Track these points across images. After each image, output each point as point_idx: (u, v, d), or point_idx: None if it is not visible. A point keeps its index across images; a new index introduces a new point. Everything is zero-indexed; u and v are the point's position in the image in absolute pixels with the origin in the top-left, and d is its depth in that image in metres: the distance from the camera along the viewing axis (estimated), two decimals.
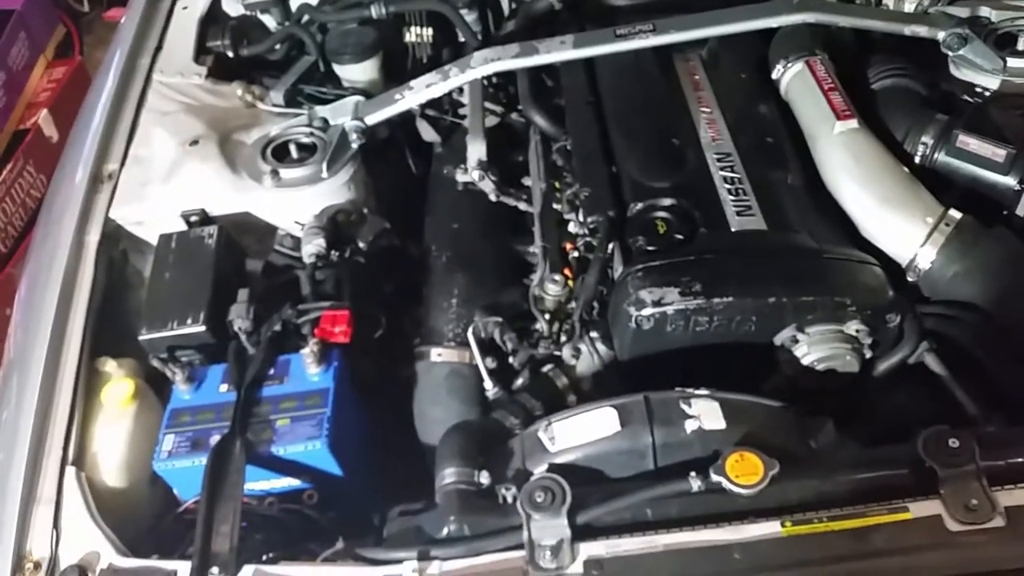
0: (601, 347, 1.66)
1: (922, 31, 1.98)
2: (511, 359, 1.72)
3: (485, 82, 2.15)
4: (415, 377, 1.74)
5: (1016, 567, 1.18)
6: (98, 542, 1.38)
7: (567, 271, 1.76)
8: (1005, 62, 1.91)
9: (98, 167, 1.99)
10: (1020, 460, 1.28)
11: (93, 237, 1.85)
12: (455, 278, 1.85)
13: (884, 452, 1.35)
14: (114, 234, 1.89)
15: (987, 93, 1.93)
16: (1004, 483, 1.24)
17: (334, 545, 1.37)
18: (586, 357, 1.67)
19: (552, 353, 1.71)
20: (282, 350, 1.61)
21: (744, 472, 1.25)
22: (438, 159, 2.15)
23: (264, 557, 1.38)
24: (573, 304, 1.71)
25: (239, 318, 1.62)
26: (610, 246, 1.68)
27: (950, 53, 1.96)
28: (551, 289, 1.72)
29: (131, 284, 1.89)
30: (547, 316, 1.73)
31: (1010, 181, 1.69)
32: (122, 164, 1.99)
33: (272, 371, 1.57)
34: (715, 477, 1.25)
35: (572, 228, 1.82)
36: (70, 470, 1.48)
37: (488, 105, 2.13)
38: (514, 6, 2.44)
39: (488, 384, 1.67)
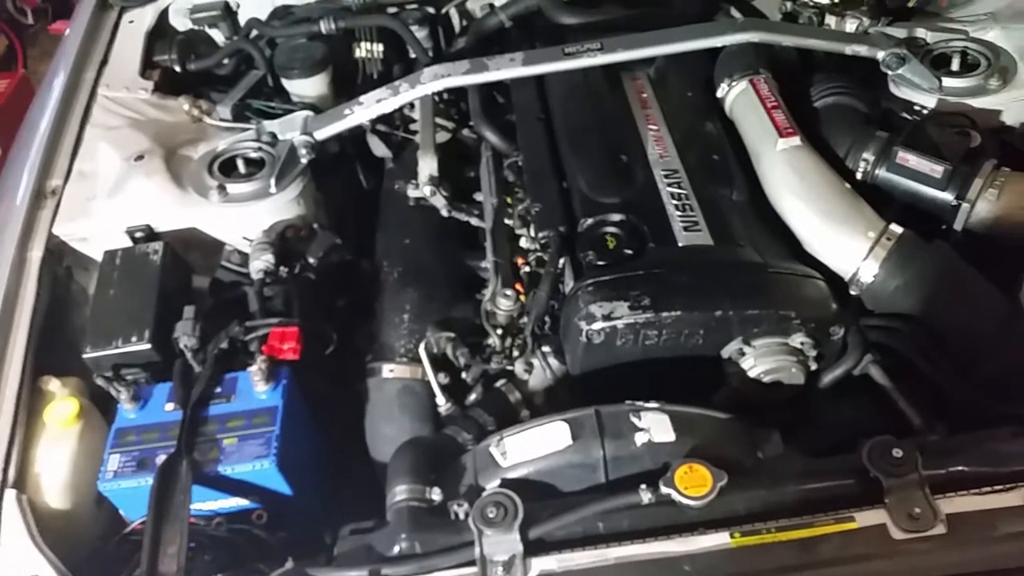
0: (553, 361, 1.67)
1: (862, 51, 2.03)
2: (464, 374, 1.72)
3: (436, 98, 2.16)
4: (367, 393, 1.73)
5: (958, 572, 1.21)
6: (39, 566, 1.35)
7: (519, 286, 1.77)
8: (940, 81, 1.98)
9: (41, 182, 1.95)
10: (960, 468, 1.31)
11: (36, 253, 1.81)
12: (407, 293, 1.84)
13: (830, 463, 1.37)
14: (58, 250, 1.85)
15: (925, 111, 1.99)
16: (946, 491, 1.27)
17: (283, 565, 1.35)
18: (538, 372, 1.68)
19: (505, 368, 1.71)
20: (230, 368, 1.59)
21: (693, 484, 1.26)
22: (389, 174, 2.15)
23: None
24: (525, 319, 1.71)
25: (185, 335, 1.60)
26: (561, 261, 1.69)
27: (889, 72, 2.02)
28: (503, 304, 1.73)
29: (76, 301, 1.85)
30: (499, 331, 1.73)
31: (947, 196, 1.74)
32: (66, 179, 1.96)
33: (219, 389, 1.55)
34: (665, 489, 1.26)
35: (523, 243, 1.83)
36: (10, 492, 1.44)
37: (439, 121, 2.14)
38: (465, 23, 2.46)
39: (440, 400, 1.67)
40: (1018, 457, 1.31)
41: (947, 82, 1.99)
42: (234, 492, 1.48)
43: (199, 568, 1.38)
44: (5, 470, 1.48)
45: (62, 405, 1.55)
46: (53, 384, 1.62)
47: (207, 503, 1.48)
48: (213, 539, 1.46)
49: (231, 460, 1.46)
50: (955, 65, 2.02)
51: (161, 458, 1.46)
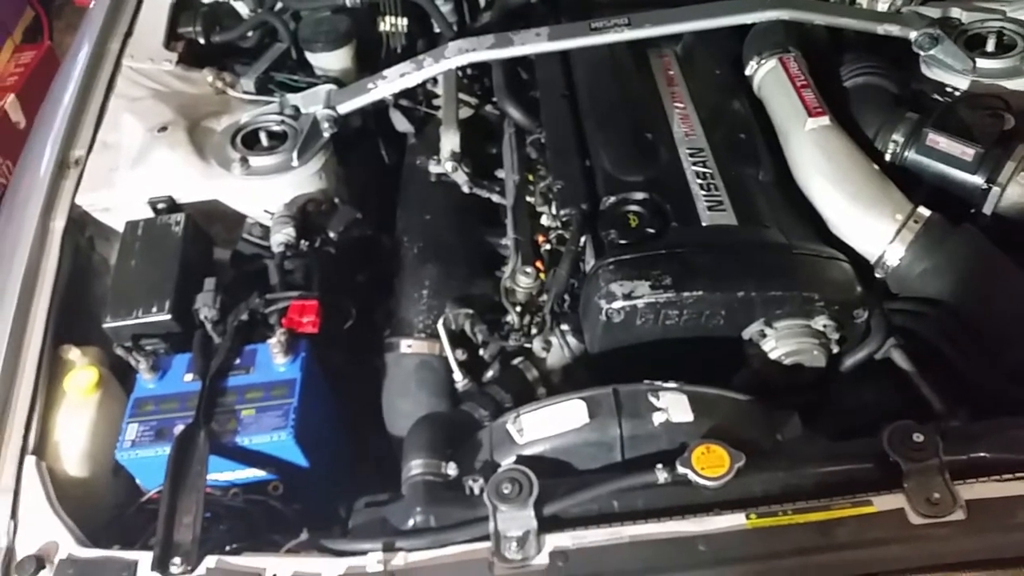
0: (572, 340, 1.66)
1: (894, 30, 1.99)
2: (481, 351, 1.71)
3: (460, 73, 2.15)
4: (384, 368, 1.73)
5: (975, 559, 1.19)
6: (57, 532, 1.35)
7: (539, 264, 1.76)
8: (974, 63, 1.93)
9: (65, 152, 1.96)
10: (982, 455, 1.29)
11: (59, 223, 1.82)
12: (426, 269, 1.84)
13: (849, 446, 1.36)
14: (80, 220, 1.86)
15: (957, 93, 1.95)
16: (966, 477, 1.25)
17: (299, 537, 1.35)
18: (556, 350, 1.67)
19: (523, 346, 1.70)
20: (249, 340, 1.59)
21: (710, 464, 1.25)
22: (411, 150, 2.14)
23: (227, 548, 1.36)
24: (544, 297, 1.70)
25: (205, 307, 1.60)
26: (582, 239, 1.68)
27: (921, 53, 1.98)
28: (522, 281, 1.72)
29: (97, 271, 1.86)
30: (518, 308, 1.72)
31: (977, 180, 1.71)
32: (89, 150, 1.97)
33: (238, 361, 1.56)
34: (681, 469, 1.26)
35: (544, 221, 1.82)
36: (30, 459, 1.45)
37: (462, 96, 2.13)
38: None
39: (458, 376, 1.66)
40: None
41: (981, 63, 1.94)
42: (251, 463, 1.48)
43: (215, 538, 1.38)
44: (26, 437, 1.49)
45: (82, 374, 1.56)
46: (73, 353, 1.63)
47: (224, 474, 1.48)
48: (229, 509, 1.47)
49: (249, 431, 1.47)
50: (990, 46, 1.98)
51: (179, 428, 1.46)
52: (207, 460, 1.42)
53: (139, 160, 1.89)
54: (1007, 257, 1.61)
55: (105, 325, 1.63)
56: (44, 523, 1.37)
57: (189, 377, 1.55)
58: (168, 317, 1.61)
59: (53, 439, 1.53)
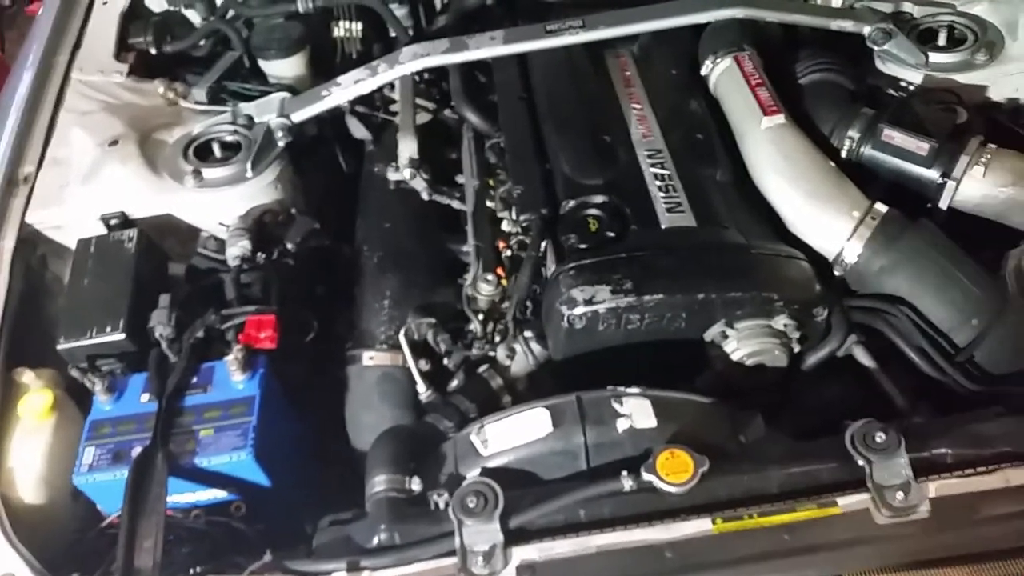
0: (535, 346, 1.64)
1: (848, 26, 2.00)
2: (445, 361, 1.70)
3: (417, 78, 2.12)
4: (347, 381, 1.71)
5: (942, 555, 1.20)
6: (12, 563, 1.33)
7: (500, 270, 1.74)
8: (927, 57, 1.95)
9: (13, 170, 1.91)
10: (943, 451, 1.30)
11: (8, 243, 1.78)
12: (387, 279, 1.82)
13: (813, 447, 1.36)
14: (31, 239, 1.82)
15: (911, 87, 1.97)
16: (929, 474, 1.26)
17: (262, 558, 1.33)
18: (521, 357, 1.66)
19: (486, 354, 1.69)
20: (206, 357, 1.57)
21: (675, 470, 1.25)
22: (370, 157, 2.11)
23: (190, 571, 1.34)
24: (507, 304, 1.69)
25: (160, 324, 1.58)
26: (543, 244, 1.67)
27: (875, 48, 1.99)
28: (484, 289, 1.70)
29: (50, 291, 1.82)
30: (481, 316, 1.71)
31: (933, 174, 1.72)
32: (39, 166, 1.92)
33: (195, 379, 1.53)
34: (646, 476, 1.25)
35: (505, 226, 1.81)
36: None
37: (420, 102, 2.10)
38: (445, 1, 2.41)
39: (421, 387, 1.65)
40: (1001, 439, 1.31)
41: (934, 57, 1.96)
42: (212, 484, 1.46)
43: (177, 561, 1.37)
44: None
45: (36, 397, 1.53)
46: (27, 376, 1.59)
47: (184, 495, 1.46)
48: (191, 532, 1.44)
49: (208, 451, 1.44)
50: (942, 40, 2.00)
51: (137, 450, 1.44)
52: (166, 482, 1.39)
53: (90, 176, 1.85)
54: (963, 251, 1.62)
55: (59, 346, 1.60)
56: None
57: (146, 397, 1.52)
58: (123, 336, 1.58)
59: (7, 465, 1.50)
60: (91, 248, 1.73)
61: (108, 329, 1.59)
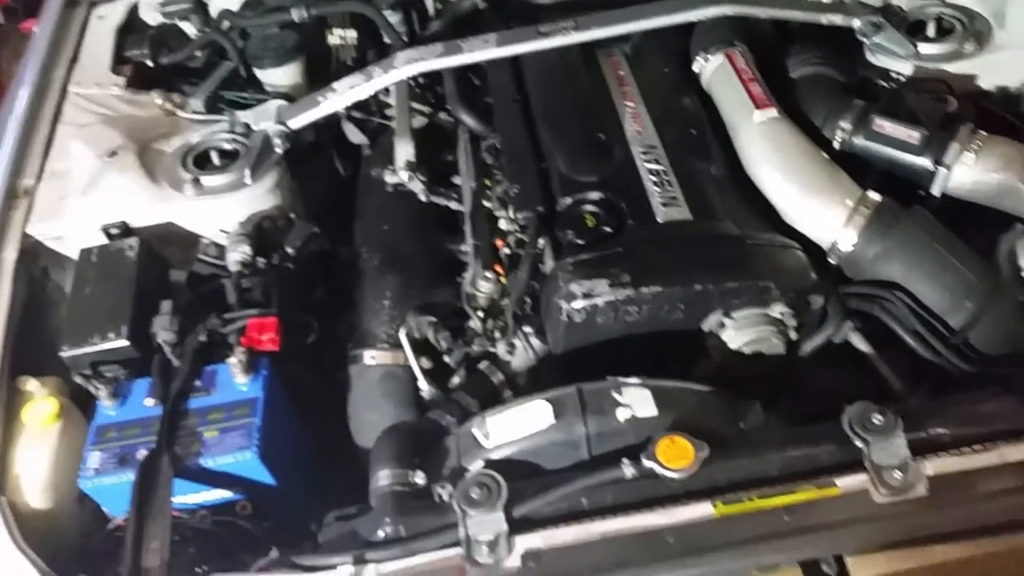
0: (535, 342, 1.66)
1: (838, 19, 2.02)
2: (446, 358, 1.71)
3: (412, 83, 2.14)
4: (349, 381, 1.72)
5: (939, 532, 1.21)
6: (22, 568, 1.34)
7: (499, 268, 1.76)
8: (917, 48, 1.97)
9: (13, 183, 1.94)
10: (940, 431, 1.31)
11: (10, 255, 1.80)
12: (387, 279, 1.83)
13: (811, 431, 1.37)
14: (33, 250, 1.84)
15: (901, 78, 1.98)
16: (926, 453, 1.27)
17: (268, 555, 1.34)
18: (521, 352, 1.67)
19: (487, 350, 1.70)
20: (209, 361, 1.58)
21: (675, 456, 1.26)
22: (367, 161, 2.13)
23: (197, 570, 1.35)
24: (506, 300, 1.70)
25: (163, 330, 1.59)
26: (540, 241, 1.68)
27: (865, 40, 2.01)
28: (483, 286, 1.72)
29: (53, 301, 1.83)
30: (480, 313, 1.72)
31: (925, 162, 1.73)
32: (39, 179, 1.95)
33: (199, 382, 1.55)
34: (647, 463, 1.26)
35: (503, 225, 1.82)
36: None
37: (416, 105, 2.13)
38: (439, 7, 2.44)
39: (423, 384, 1.66)
40: (996, 418, 1.31)
41: (923, 48, 1.98)
42: (217, 484, 1.47)
43: (184, 561, 1.38)
44: None
45: (41, 405, 1.54)
46: (31, 384, 1.60)
47: (190, 496, 1.47)
48: (197, 532, 1.46)
49: (213, 452, 1.46)
50: (931, 31, 2.01)
51: (142, 453, 1.45)
52: (172, 484, 1.41)
53: (90, 187, 1.87)
54: (957, 237, 1.63)
55: (63, 354, 1.61)
56: (7, 560, 1.36)
57: (150, 402, 1.54)
58: (126, 343, 1.60)
59: (14, 472, 1.51)
60: (93, 257, 1.75)
61: (111, 336, 1.60)
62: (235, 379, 1.52)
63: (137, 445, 1.47)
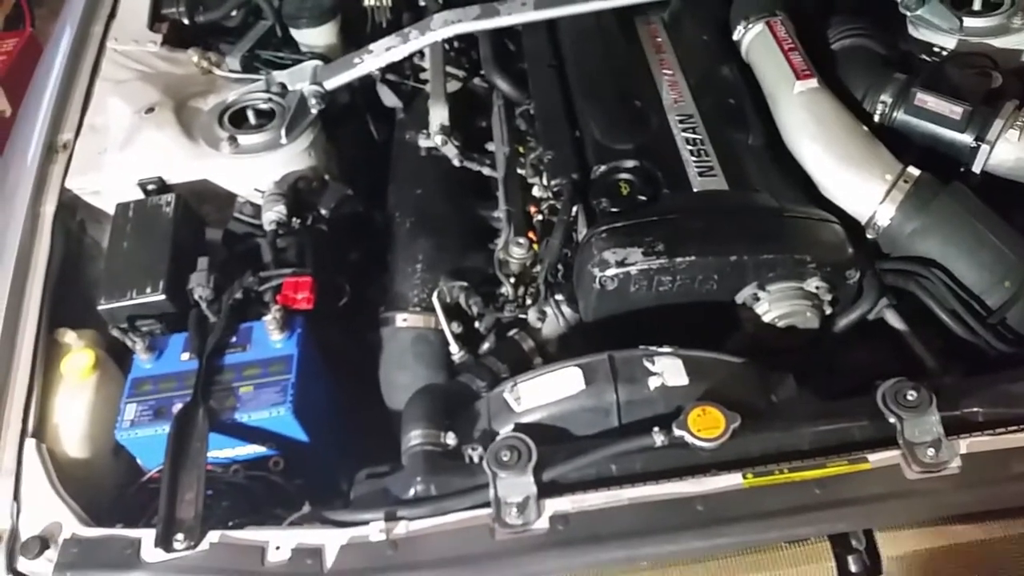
0: (566, 309, 1.66)
1: None
2: (477, 323, 1.72)
3: (447, 46, 2.13)
4: (381, 343, 1.73)
5: (971, 511, 1.21)
6: (60, 513, 1.36)
7: (531, 234, 1.76)
8: (961, 21, 1.93)
9: (52, 137, 1.95)
10: (974, 410, 1.30)
11: (49, 208, 1.81)
12: (419, 243, 1.84)
13: (844, 405, 1.37)
14: (71, 204, 1.85)
15: (944, 52, 1.95)
16: (960, 432, 1.27)
17: (301, 510, 1.36)
18: (551, 320, 1.68)
19: (518, 316, 1.71)
20: (244, 318, 1.60)
21: (706, 426, 1.26)
22: (401, 124, 2.13)
23: (230, 523, 1.37)
24: (538, 267, 1.71)
25: (199, 286, 1.61)
26: (574, 208, 1.68)
27: (908, 13, 1.97)
28: (516, 252, 1.72)
29: (90, 255, 1.85)
30: (512, 280, 1.73)
31: (966, 138, 1.71)
32: (77, 134, 1.96)
33: (234, 339, 1.56)
34: (678, 432, 1.26)
35: (536, 192, 1.82)
36: (30, 442, 1.45)
37: (450, 70, 2.12)
38: None
39: (454, 348, 1.67)
40: None
41: (968, 22, 1.94)
42: (251, 439, 1.49)
43: (217, 514, 1.39)
44: (25, 420, 1.49)
45: (78, 356, 1.56)
46: (69, 336, 1.62)
47: (224, 451, 1.49)
48: (230, 486, 1.48)
49: (248, 408, 1.47)
50: (977, 4, 1.98)
51: (178, 407, 1.47)
52: (207, 437, 1.42)
53: (127, 142, 1.88)
54: (996, 214, 1.61)
55: (100, 307, 1.64)
56: (47, 504, 1.38)
57: (186, 356, 1.56)
58: (162, 297, 1.62)
59: (52, 422, 1.53)
60: (130, 212, 1.76)
61: (148, 290, 1.62)
62: (270, 336, 1.54)
63: (173, 399, 1.49)
